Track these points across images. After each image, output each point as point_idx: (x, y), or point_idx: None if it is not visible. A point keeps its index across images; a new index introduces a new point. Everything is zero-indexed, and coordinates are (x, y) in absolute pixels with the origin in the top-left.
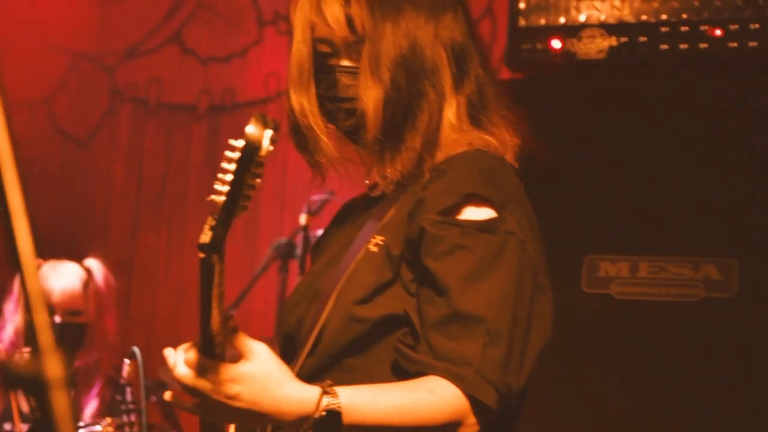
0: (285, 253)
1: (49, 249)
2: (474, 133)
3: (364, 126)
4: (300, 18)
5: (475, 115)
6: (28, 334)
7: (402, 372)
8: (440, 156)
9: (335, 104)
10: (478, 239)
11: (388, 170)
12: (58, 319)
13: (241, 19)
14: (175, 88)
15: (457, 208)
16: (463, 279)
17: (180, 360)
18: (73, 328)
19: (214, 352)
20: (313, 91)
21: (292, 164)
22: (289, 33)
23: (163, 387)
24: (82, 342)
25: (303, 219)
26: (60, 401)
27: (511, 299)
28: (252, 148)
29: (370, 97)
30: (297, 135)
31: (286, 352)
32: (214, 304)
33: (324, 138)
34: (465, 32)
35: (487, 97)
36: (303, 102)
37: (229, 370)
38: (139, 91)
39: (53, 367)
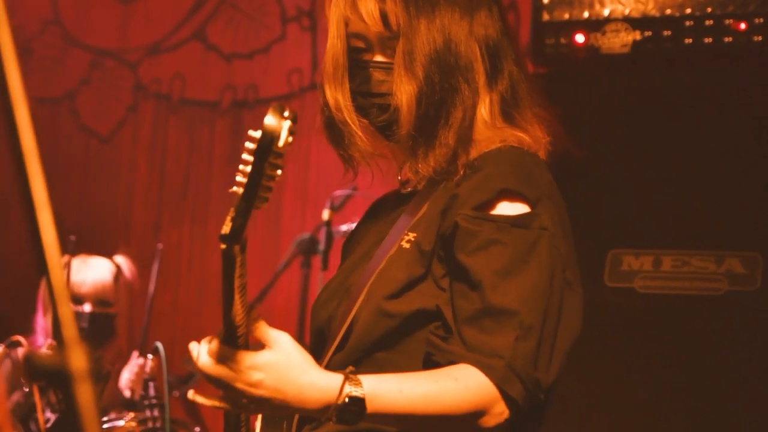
0: (307, 248)
1: (71, 244)
2: (507, 130)
3: (397, 121)
4: (335, 13)
5: (509, 112)
6: (54, 327)
7: (433, 366)
8: (474, 153)
9: (368, 99)
10: (511, 234)
11: (421, 166)
12: (88, 307)
13: (264, 16)
14: (198, 84)
15: (491, 203)
16: (496, 273)
17: (203, 351)
18: (103, 318)
19: (237, 343)
20: (347, 86)
21: (315, 159)
22: (312, 29)
23: (186, 382)
24: (112, 333)
25: (326, 214)
26: (84, 393)
27: (543, 294)
28: (269, 138)
29: (404, 92)
30: (331, 129)
31: (317, 348)
32: (236, 295)
33: (359, 133)
34: (499, 29)
35: (520, 94)
36: (338, 97)
37: (251, 358)
38: (162, 87)
39: (78, 359)
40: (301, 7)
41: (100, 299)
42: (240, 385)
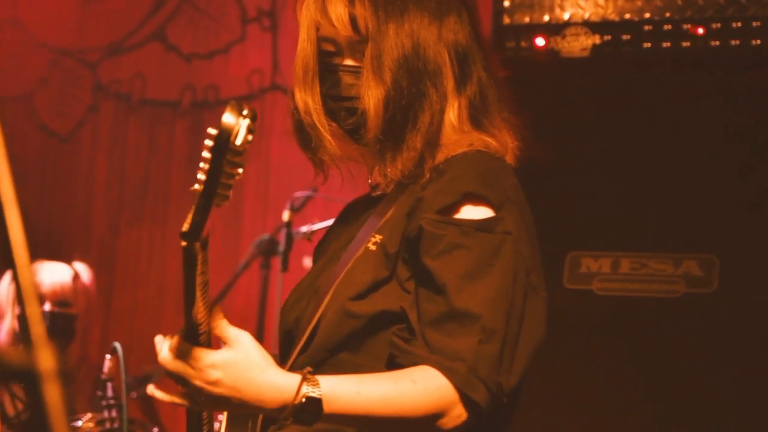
0: (267, 249)
1: (31, 245)
2: (475, 135)
3: (365, 125)
4: (305, 17)
5: (477, 117)
6: (21, 327)
7: (396, 367)
8: (441, 156)
9: (337, 103)
10: (475, 238)
11: (389, 170)
12: (47, 307)
13: (224, 16)
14: (157, 85)
15: (456, 207)
16: (460, 277)
17: (165, 346)
18: (63, 318)
19: (199, 340)
20: (318, 89)
21: (275, 160)
22: (272, 30)
23: (144, 383)
24: (71, 336)
25: (286, 215)
26: (52, 393)
27: (506, 298)
28: (225, 136)
29: (372, 96)
30: (300, 133)
31: (285, 350)
32: (198, 293)
33: (327, 136)
34: (469, 34)
35: (488, 99)
36: (307, 100)
37: (210, 356)
38: (122, 87)
39: (45, 359)
40: (262, 7)
41: (59, 299)
42: (198, 383)
